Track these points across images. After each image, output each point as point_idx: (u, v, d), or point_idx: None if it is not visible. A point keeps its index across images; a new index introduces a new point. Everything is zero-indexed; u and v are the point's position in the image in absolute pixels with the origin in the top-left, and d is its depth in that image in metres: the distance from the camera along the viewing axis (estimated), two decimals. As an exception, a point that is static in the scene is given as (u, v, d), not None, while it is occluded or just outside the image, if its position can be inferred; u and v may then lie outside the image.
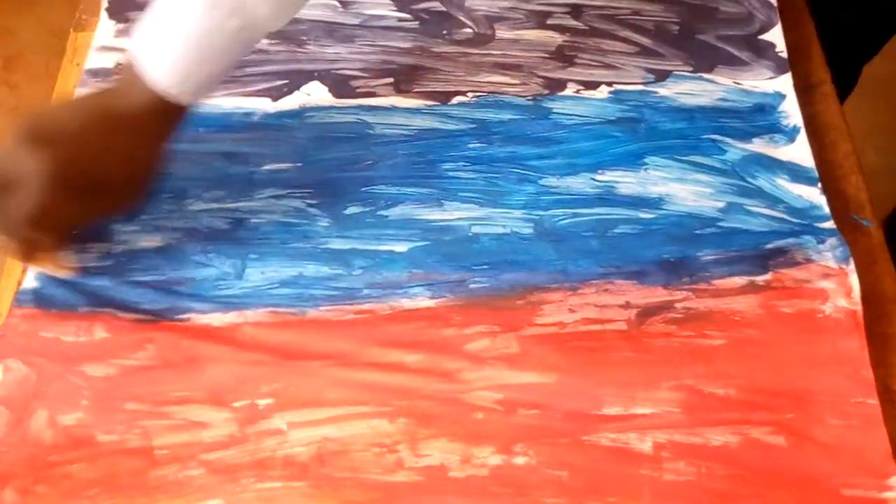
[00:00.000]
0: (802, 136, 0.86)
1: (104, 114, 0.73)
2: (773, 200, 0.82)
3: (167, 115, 0.74)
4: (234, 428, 0.69)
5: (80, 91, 0.89)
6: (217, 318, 0.75)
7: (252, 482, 0.67)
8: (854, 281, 0.77)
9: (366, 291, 0.76)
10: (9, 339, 0.73)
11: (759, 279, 0.77)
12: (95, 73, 0.90)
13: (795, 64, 0.92)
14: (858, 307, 0.75)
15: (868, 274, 0.78)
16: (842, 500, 0.67)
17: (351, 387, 0.71)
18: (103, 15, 0.95)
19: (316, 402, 0.70)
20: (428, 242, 0.79)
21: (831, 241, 0.79)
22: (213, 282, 0.77)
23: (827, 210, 0.81)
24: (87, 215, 0.76)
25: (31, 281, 0.76)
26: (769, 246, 0.79)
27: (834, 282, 0.77)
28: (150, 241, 0.79)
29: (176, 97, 0.73)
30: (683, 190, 0.83)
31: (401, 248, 0.79)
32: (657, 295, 0.76)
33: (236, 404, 0.70)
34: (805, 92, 0.90)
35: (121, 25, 0.94)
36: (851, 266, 0.78)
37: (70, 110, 0.74)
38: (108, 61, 0.91)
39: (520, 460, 0.68)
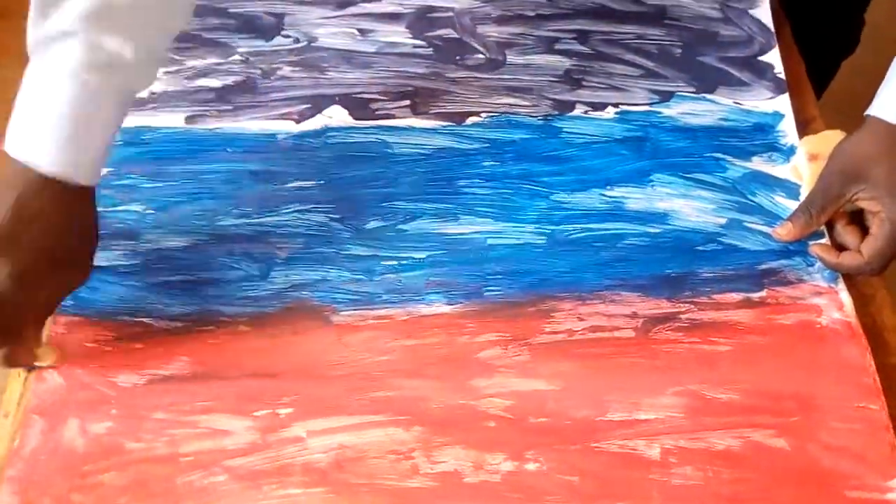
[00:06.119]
0: (800, 155, 0.81)
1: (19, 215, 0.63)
2: (771, 217, 0.79)
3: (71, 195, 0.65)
4: (256, 436, 0.66)
5: None
6: (245, 323, 0.72)
7: (273, 488, 0.63)
8: (845, 297, 0.73)
9: (385, 297, 0.73)
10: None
11: (755, 296, 0.74)
12: None
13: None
14: (853, 319, 0.72)
15: (867, 306, 0.74)
16: (846, 502, 0.63)
17: (368, 396, 0.68)
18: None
19: (334, 410, 0.67)
20: (445, 252, 0.76)
21: (820, 264, 0.76)
22: (238, 283, 0.74)
23: (823, 228, 0.77)
24: (51, 296, 0.68)
25: None
26: (762, 266, 0.76)
27: (825, 298, 0.74)
28: (176, 241, 0.76)
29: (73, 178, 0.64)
30: (687, 206, 0.79)
31: (419, 255, 0.76)
32: (662, 307, 0.73)
33: (257, 413, 0.67)
34: (797, 128, 0.85)
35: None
36: (841, 285, 0.74)
37: None
38: None
39: (531, 466, 0.65)
